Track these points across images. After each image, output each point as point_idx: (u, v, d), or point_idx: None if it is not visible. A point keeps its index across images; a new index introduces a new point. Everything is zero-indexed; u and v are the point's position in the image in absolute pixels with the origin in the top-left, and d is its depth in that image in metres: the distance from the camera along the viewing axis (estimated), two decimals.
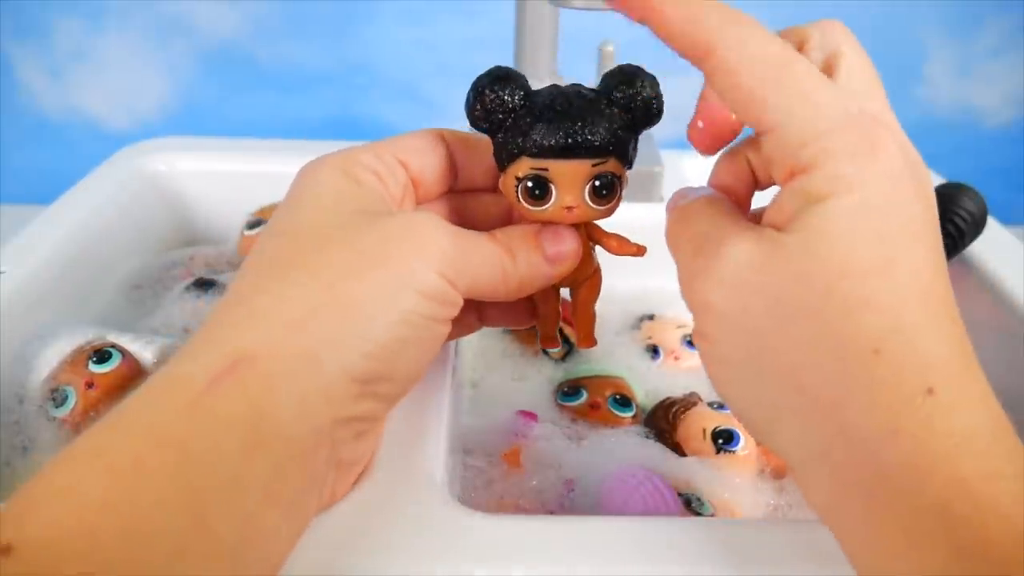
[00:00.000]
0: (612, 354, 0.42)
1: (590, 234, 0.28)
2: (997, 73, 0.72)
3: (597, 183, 0.25)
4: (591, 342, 0.30)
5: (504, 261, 0.25)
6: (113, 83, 0.71)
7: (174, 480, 0.19)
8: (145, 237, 0.49)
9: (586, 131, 0.24)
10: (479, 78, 0.26)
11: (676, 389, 0.38)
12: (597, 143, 0.25)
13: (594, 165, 0.25)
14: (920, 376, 0.19)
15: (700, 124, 0.25)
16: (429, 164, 0.27)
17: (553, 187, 0.25)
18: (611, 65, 0.47)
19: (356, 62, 0.71)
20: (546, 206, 0.25)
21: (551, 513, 0.31)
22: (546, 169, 0.25)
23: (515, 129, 0.25)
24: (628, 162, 0.26)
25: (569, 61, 0.48)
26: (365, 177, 0.25)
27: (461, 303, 0.25)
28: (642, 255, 0.28)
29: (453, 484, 0.30)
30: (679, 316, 0.43)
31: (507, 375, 0.40)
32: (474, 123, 0.26)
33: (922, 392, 0.19)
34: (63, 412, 0.33)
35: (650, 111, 0.26)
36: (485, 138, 0.27)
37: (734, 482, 0.32)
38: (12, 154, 0.73)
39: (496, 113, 0.25)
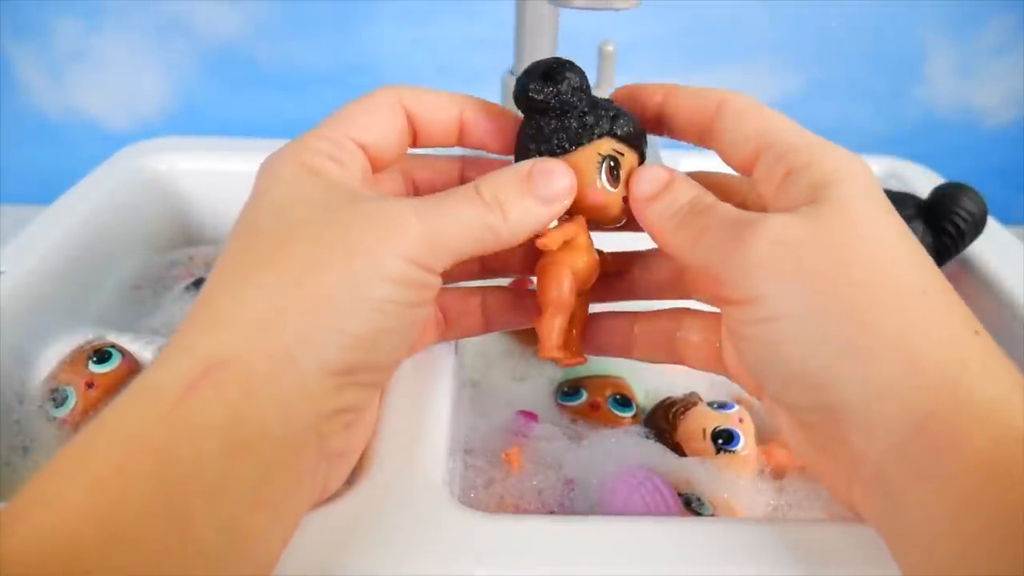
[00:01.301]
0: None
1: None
2: (997, 73, 0.72)
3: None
4: (580, 358, 0.30)
5: (489, 219, 0.24)
6: (113, 83, 0.71)
7: (157, 487, 0.19)
8: (145, 237, 0.49)
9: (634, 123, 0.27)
10: (542, 65, 0.27)
11: (676, 389, 0.38)
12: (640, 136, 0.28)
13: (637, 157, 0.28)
14: (966, 318, 0.22)
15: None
16: (387, 138, 0.27)
17: (620, 173, 0.27)
18: (611, 65, 0.47)
19: (356, 62, 0.71)
20: (618, 187, 0.27)
21: (551, 513, 0.31)
22: (622, 153, 0.27)
23: (595, 112, 0.27)
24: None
25: None
26: (325, 166, 0.25)
27: (439, 283, 0.25)
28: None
29: (453, 484, 0.30)
30: None
31: (507, 375, 0.40)
32: (536, 104, 0.26)
33: (971, 332, 0.22)
34: (63, 412, 0.33)
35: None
36: (444, 95, 0.27)
37: (734, 482, 0.32)
38: (12, 154, 0.73)
39: (579, 92, 0.27)
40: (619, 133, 0.27)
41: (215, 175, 0.53)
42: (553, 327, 0.28)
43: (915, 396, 0.21)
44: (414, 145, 0.28)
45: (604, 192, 0.27)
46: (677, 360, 0.30)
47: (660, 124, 0.28)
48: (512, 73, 0.48)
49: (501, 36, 0.49)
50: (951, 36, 0.70)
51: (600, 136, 0.26)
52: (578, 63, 0.27)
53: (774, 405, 0.26)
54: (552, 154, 0.26)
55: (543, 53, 0.47)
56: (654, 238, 0.27)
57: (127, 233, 0.48)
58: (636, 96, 0.28)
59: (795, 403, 0.23)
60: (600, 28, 0.48)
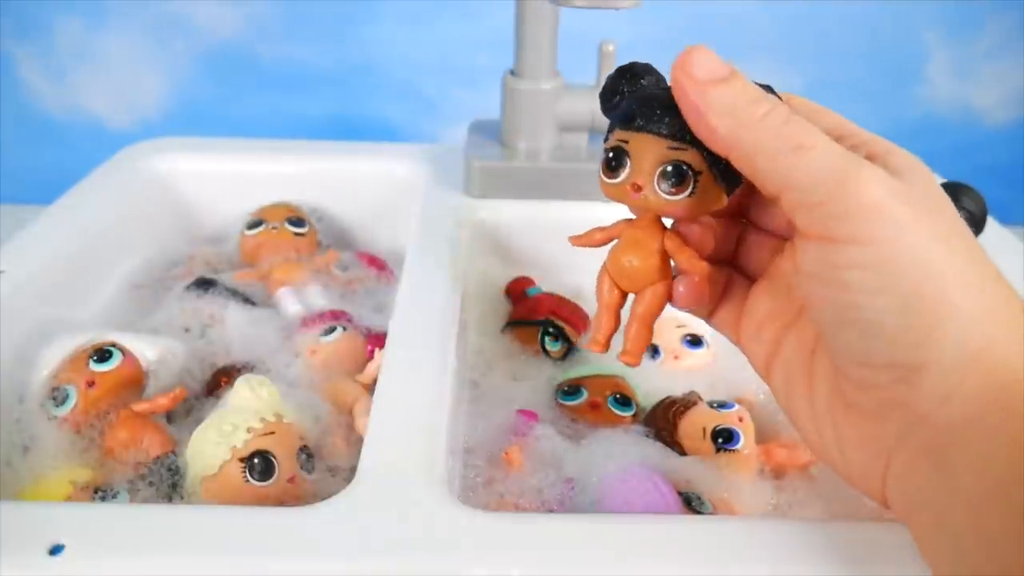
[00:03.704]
0: (612, 354, 0.41)
1: (667, 240, 0.27)
2: (997, 73, 0.72)
3: (669, 168, 0.25)
4: (635, 360, 0.28)
5: None
6: (113, 83, 0.71)
7: None
8: (145, 237, 0.49)
9: (669, 111, 0.25)
10: (616, 69, 0.27)
11: (676, 389, 0.38)
12: (676, 125, 0.25)
13: (670, 148, 0.25)
14: None
15: (681, 288, 0.27)
16: None
17: (629, 161, 0.25)
18: (611, 65, 0.47)
19: (357, 62, 0.71)
20: (618, 179, 0.26)
21: (551, 512, 0.31)
22: (627, 141, 0.25)
23: (618, 107, 0.26)
24: (716, 167, 0.25)
25: (569, 61, 0.48)
26: None
27: None
28: (701, 287, 0.27)
29: (453, 483, 0.30)
30: (679, 316, 0.43)
31: (507, 375, 0.40)
32: (602, 108, 0.27)
33: None
34: (64, 411, 0.33)
35: None
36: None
37: (734, 481, 0.32)
38: (13, 154, 0.73)
39: (615, 96, 0.27)
40: (621, 122, 0.26)
41: (215, 175, 0.53)
42: (595, 322, 0.29)
43: (998, 368, 0.21)
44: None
45: (612, 185, 0.26)
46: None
47: None
48: (513, 73, 0.48)
49: (501, 36, 0.49)
50: (951, 36, 0.70)
51: (610, 132, 0.26)
52: (646, 65, 0.27)
53: (817, 362, 0.25)
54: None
55: (543, 53, 0.47)
56: (722, 138, 0.23)
57: (128, 233, 0.48)
58: None
59: (869, 359, 0.23)
60: (600, 28, 0.48)
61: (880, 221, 0.21)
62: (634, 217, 0.28)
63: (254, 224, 0.48)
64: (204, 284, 0.44)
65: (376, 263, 0.49)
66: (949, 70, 0.72)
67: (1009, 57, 0.71)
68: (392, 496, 0.26)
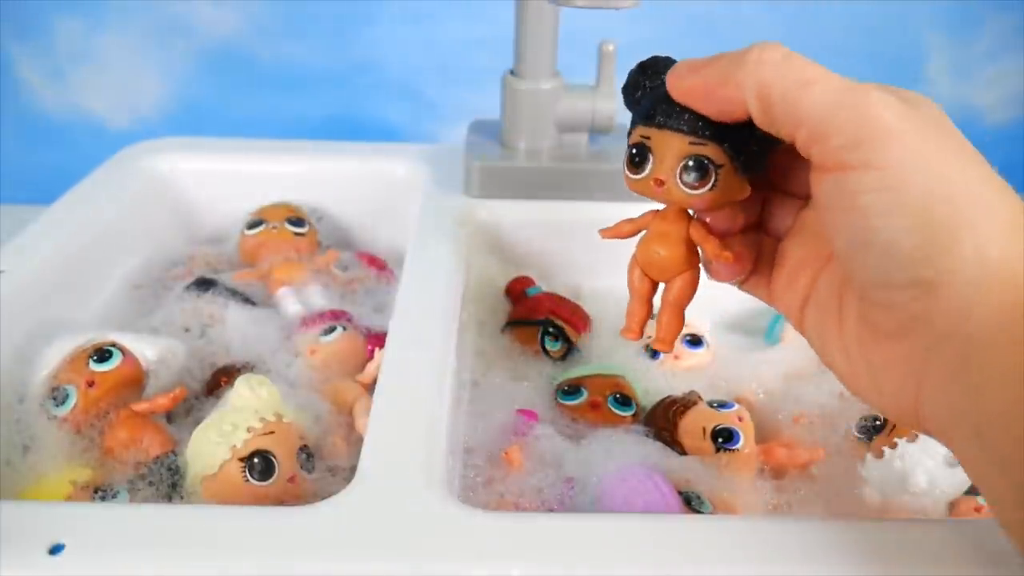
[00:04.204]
0: (612, 353, 0.42)
1: (692, 230, 0.28)
2: (997, 73, 0.72)
3: (690, 163, 0.25)
4: (668, 347, 0.29)
5: None
6: (113, 83, 0.71)
7: None
8: (145, 237, 0.49)
9: (688, 108, 0.25)
10: (637, 64, 0.28)
11: (676, 388, 0.38)
12: (696, 120, 0.25)
13: (692, 143, 0.25)
14: None
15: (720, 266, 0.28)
16: None
17: (652, 158, 0.26)
18: (611, 65, 0.47)
19: (356, 62, 0.71)
20: (641, 174, 0.26)
21: (551, 511, 0.31)
22: (649, 138, 0.26)
23: (640, 102, 0.27)
24: (737, 159, 0.26)
25: (569, 61, 0.48)
26: None
27: None
28: (732, 264, 0.27)
29: (453, 483, 0.30)
30: None
31: (507, 375, 0.40)
32: (625, 102, 0.28)
33: None
34: (64, 411, 0.33)
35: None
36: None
37: (733, 480, 0.32)
38: (13, 154, 0.73)
39: (637, 91, 0.27)
40: (643, 118, 0.26)
41: (215, 175, 0.53)
42: (628, 311, 0.29)
43: (1016, 281, 0.21)
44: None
45: (636, 181, 0.27)
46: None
47: None
48: (513, 73, 0.48)
49: (501, 36, 0.49)
50: (951, 36, 0.70)
51: (632, 128, 0.27)
52: (669, 59, 0.27)
53: (845, 296, 0.25)
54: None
55: (544, 53, 0.47)
56: (735, 96, 0.24)
57: (128, 233, 0.48)
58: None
59: (890, 280, 0.23)
60: (600, 28, 0.48)
61: (891, 144, 0.22)
62: (660, 208, 0.28)
63: (254, 224, 0.48)
64: (204, 284, 0.44)
65: (376, 263, 0.49)
66: (949, 70, 0.72)
67: (1009, 57, 0.71)
68: (392, 496, 0.26)
